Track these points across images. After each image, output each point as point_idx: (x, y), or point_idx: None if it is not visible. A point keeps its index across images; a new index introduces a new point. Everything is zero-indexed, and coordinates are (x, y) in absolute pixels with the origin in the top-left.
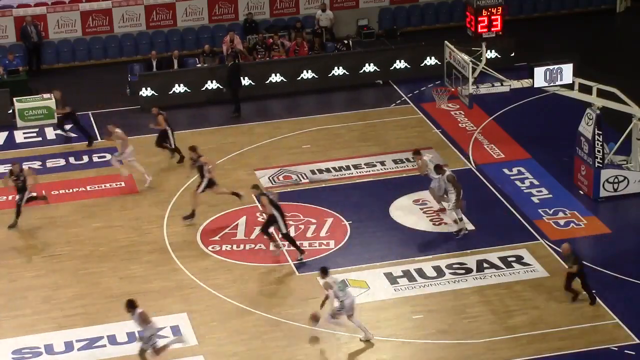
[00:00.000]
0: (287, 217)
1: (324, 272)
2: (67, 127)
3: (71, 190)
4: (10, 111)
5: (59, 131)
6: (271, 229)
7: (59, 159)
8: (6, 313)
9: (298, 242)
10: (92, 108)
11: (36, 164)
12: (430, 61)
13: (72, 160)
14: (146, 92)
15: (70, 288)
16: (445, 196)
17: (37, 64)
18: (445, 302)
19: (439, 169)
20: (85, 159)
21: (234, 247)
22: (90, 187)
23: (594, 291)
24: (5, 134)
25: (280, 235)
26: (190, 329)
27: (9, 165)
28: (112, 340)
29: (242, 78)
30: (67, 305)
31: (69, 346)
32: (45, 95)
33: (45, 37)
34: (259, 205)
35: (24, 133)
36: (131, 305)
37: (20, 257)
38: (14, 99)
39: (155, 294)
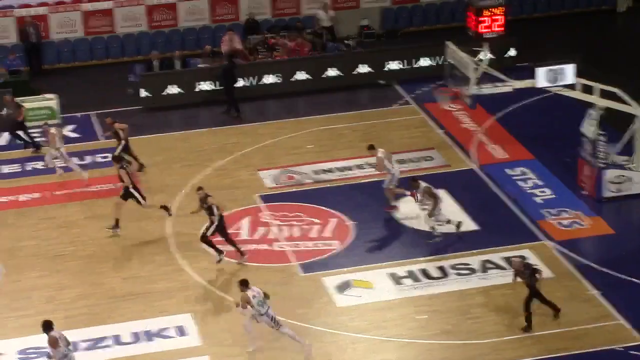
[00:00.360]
0: (284, 218)
1: (245, 284)
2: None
3: (74, 190)
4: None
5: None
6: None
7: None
8: (10, 313)
9: (293, 243)
10: (94, 108)
11: (39, 164)
12: (430, 62)
13: (75, 160)
14: (145, 92)
15: (74, 288)
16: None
17: (38, 64)
18: (449, 302)
19: (414, 181)
20: (88, 159)
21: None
22: (93, 188)
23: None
24: (4, 135)
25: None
26: (195, 329)
27: (16, 165)
28: (117, 340)
29: (237, 78)
30: (71, 305)
31: (74, 346)
32: (47, 96)
33: (47, 37)
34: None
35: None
36: (46, 327)
37: (24, 257)
38: (16, 99)
39: (159, 295)
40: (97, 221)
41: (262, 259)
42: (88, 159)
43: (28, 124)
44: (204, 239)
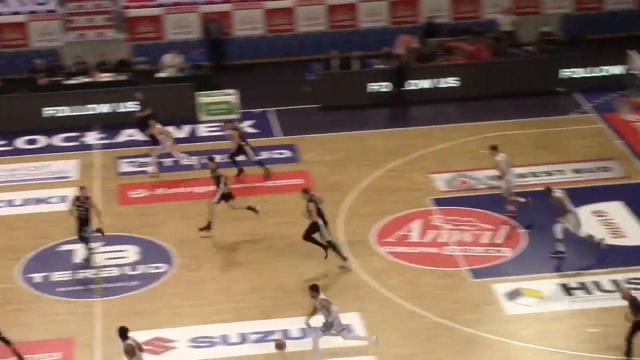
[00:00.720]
0: (455, 222)
1: (317, 290)
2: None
3: (249, 185)
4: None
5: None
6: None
7: (239, 155)
8: (185, 302)
9: (464, 248)
10: (272, 105)
11: (217, 157)
12: (613, 71)
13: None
14: (323, 91)
15: (246, 281)
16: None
17: (220, 60)
18: (622, 317)
19: (548, 190)
20: (265, 154)
21: (408, 249)
22: (267, 183)
23: None
24: (189, 127)
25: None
26: (362, 329)
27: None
28: (286, 334)
29: (409, 80)
30: (244, 297)
31: (244, 338)
32: (227, 91)
33: (230, 34)
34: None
35: (206, 127)
36: (122, 335)
37: (201, 248)
38: (198, 93)
39: (328, 292)
40: (273, 216)
41: (431, 262)
42: (264, 154)
43: (210, 118)
44: (330, 243)
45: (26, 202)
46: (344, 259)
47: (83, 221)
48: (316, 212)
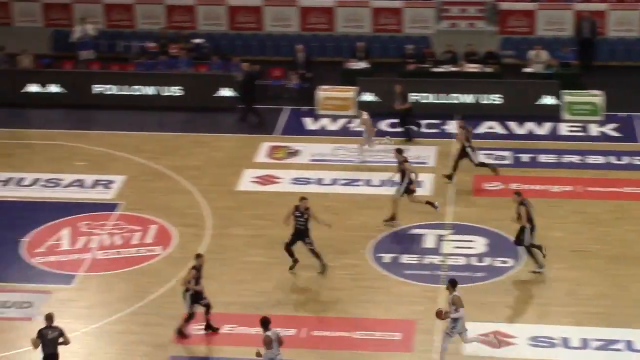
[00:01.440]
0: None
1: (454, 285)
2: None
3: (607, 189)
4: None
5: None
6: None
7: (598, 157)
8: (529, 300)
9: None
10: (638, 109)
11: (574, 158)
12: None
13: (612, 159)
14: None
15: (594, 286)
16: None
17: (589, 59)
18: None
19: None
20: (625, 159)
21: None
22: (626, 189)
23: None
24: (550, 124)
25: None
26: None
27: (552, 155)
28: (630, 346)
29: None
30: (589, 302)
31: (585, 343)
32: (593, 92)
33: (603, 34)
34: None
35: (568, 126)
36: (264, 325)
37: (549, 248)
38: (564, 91)
39: None
40: (628, 223)
41: None
42: (625, 160)
43: (573, 117)
44: (533, 245)
45: (382, 183)
46: (540, 266)
47: (301, 232)
48: (526, 216)
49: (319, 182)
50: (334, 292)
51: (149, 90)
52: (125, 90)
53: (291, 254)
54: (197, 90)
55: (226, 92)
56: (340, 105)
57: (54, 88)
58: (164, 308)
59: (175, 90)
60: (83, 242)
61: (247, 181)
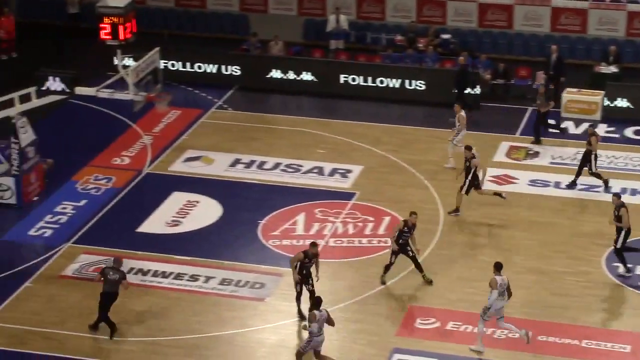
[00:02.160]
0: None
1: (498, 268)
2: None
3: None
4: None
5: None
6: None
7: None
8: None
9: None
10: None
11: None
12: None
13: None
14: None
15: None
16: None
17: None
18: None
19: None
20: None
21: None
22: None
23: None
24: None
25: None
26: None
27: None
28: None
29: None
30: None
31: None
32: None
33: None
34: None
35: None
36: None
37: None
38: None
39: None
40: None
41: None
42: None
43: None
44: (619, 251)
45: (622, 191)
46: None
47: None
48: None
49: (557, 185)
50: (564, 298)
51: (394, 82)
52: (370, 82)
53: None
54: (441, 86)
55: (469, 89)
56: (585, 109)
57: (304, 76)
58: (390, 300)
59: (419, 85)
60: (317, 229)
61: (484, 180)
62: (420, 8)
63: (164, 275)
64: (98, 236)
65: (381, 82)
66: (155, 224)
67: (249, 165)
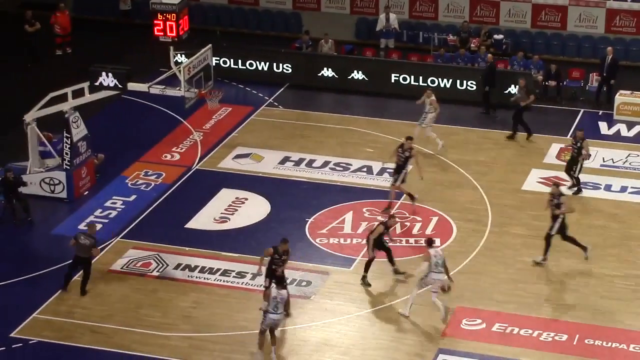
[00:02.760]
0: None
1: (430, 243)
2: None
3: None
4: None
5: None
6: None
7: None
8: None
9: None
10: None
11: None
12: None
13: None
14: None
15: None
16: None
17: None
18: None
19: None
20: None
21: None
22: None
23: None
24: None
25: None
26: None
27: None
28: None
29: None
30: None
31: None
32: None
33: None
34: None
35: None
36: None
37: None
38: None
39: None
40: None
41: None
42: None
43: None
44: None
45: None
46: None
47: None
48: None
49: (607, 188)
50: (612, 301)
51: (445, 82)
52: (422, 81)
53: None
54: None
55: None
56: (638, 111)
57: (355, 74)
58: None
59: (471, 85)
60: (364, 228)
61: (533, 181)
62: (473, 8)
63: (211, 271)
64: (147, 232)
65: (432, 81)
66: (203, 220)
67: (297, 163)
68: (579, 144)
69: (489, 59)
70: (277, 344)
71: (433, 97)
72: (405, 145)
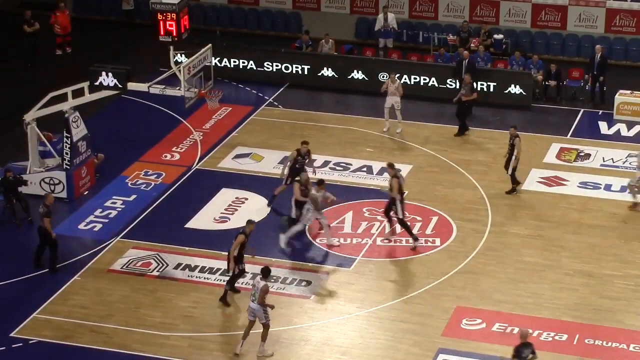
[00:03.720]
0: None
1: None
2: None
3: None
4: None
5: None
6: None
7: None
8: None
9: None
10: None
11: None
12: None
13: None
14: None
15: None
16: None
17: None
18: None
19: None
20: None
21: None
22: None
23: None
24: None
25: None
26: None
27: None
28: None
29: None
30: None
31: None
32: None
33: None
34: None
35: None
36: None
37: None
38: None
39: None
40: None
41: None
42: None
43: None
44: (401, 221)
45: None
46: (415, 239)
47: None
48: (398, 189)
49: (608, 188)
50: (612, 301)
51: (445, 82)
52: (422, 81)
53: None
54: (491, 86)
55: (517, 89)
56: (638, 111)
57: (355, 74)
58: (437, 300)
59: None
60: (364, 227)
61: (533, 181)
62: (473, 8)
63: (212, 271)
64: (147, 231)
65: (432, 81)
66: (203, 220)
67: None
68: (511, 141)
69: (464, 55)
70: (265, 340)
71: (398, 82)
72: (301, 149)
